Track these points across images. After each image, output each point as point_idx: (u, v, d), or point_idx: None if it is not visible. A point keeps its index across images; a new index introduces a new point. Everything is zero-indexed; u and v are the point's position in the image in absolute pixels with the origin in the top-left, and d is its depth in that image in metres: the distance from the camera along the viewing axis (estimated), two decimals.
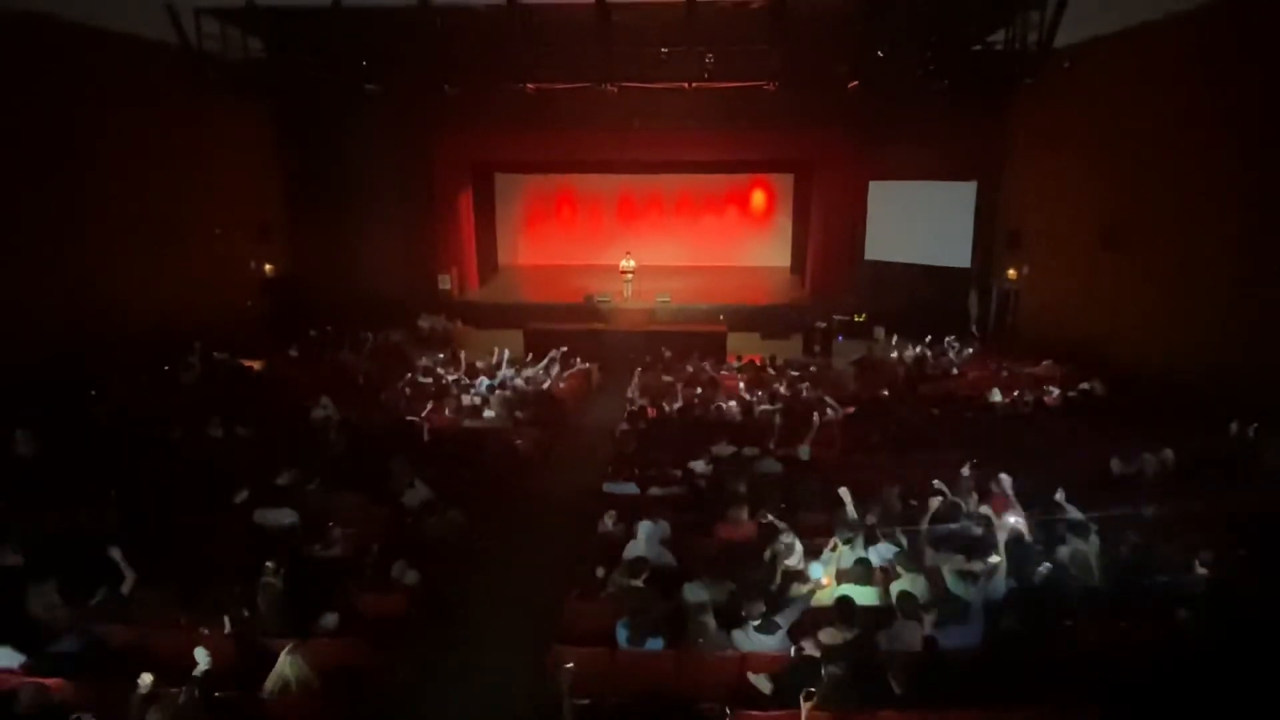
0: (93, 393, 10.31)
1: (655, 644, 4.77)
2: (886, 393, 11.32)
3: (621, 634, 4.80)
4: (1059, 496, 5.96)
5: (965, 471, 6.78)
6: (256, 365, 12.78)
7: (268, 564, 5.22)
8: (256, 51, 13.03)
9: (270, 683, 4.39)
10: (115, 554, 5.27)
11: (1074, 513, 5.85)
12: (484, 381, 11.43)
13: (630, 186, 22.00)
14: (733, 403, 10.35)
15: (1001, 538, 5.44)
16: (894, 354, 13.61)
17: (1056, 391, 10.46)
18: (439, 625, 5.89)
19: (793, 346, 15.86)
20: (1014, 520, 5.98)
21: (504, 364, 12.01)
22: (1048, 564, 5.28)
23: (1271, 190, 9.43)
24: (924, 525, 5.90)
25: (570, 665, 4.18)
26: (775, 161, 20.01)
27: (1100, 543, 5.55)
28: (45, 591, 4.96)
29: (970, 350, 14.24)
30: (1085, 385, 10.64)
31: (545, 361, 12.38)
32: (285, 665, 4.38)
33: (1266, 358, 9.34)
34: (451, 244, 18.49)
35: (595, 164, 19.53)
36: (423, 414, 9.61)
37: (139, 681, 4.07)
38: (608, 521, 6.53)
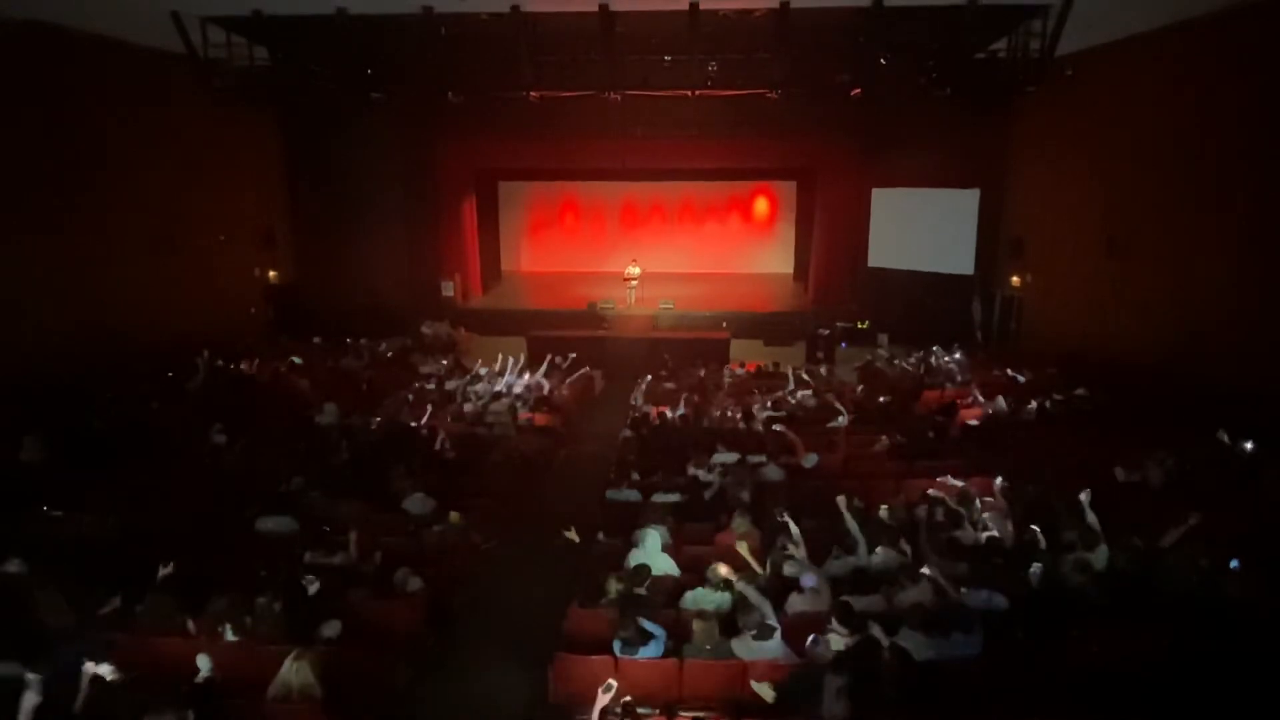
0: (100, 399, 10.32)
1: (654, 651, 4.76)
2: (890, 399, 11.30)
3: (615, 645, 4.80)
4: (1083, 497, 5.87)
5: (967, 480, 6.77)
6: (260, 372, 12.79)
7: (269, 571, 5.23)
8: (262, 60, 13.08)
9: (273, 689, 4.40)
10: (165, 571, 5.32)
11: (1091, 520, 5.81)
12: (487, 388, 11.44)
13: (633, 194, 22.04)
14: (736, 410, 10.35)
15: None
16: (897, 361, 13.59)
17: (1060, 399, 10.43)
18: (442, 633, 5.89)
19: (796, 353, 15.86)
20: (1012, 527, 5.98)
21: (505, 371, 12.01)
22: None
23: (1275, 197, 9.42)
24: (926, 533, 5.89)
25: (612, 683, 4.17)
26: (778, 169, 20.05)
27: (1106, 551, 5.53)
28: (51, 598, 4.97)
29: (974, 357, 14.21)
30: (1089, 393, 10.61)
31: (546, 367, 12.38)
32: (290, 672, 4.39)
33: (1271, 365, 9.32)
34: (455, 251, 18.53)
35: (598, 172, 19.59)
36: (426, 420, 9.62)
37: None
38: (604, 532, 6.52)
